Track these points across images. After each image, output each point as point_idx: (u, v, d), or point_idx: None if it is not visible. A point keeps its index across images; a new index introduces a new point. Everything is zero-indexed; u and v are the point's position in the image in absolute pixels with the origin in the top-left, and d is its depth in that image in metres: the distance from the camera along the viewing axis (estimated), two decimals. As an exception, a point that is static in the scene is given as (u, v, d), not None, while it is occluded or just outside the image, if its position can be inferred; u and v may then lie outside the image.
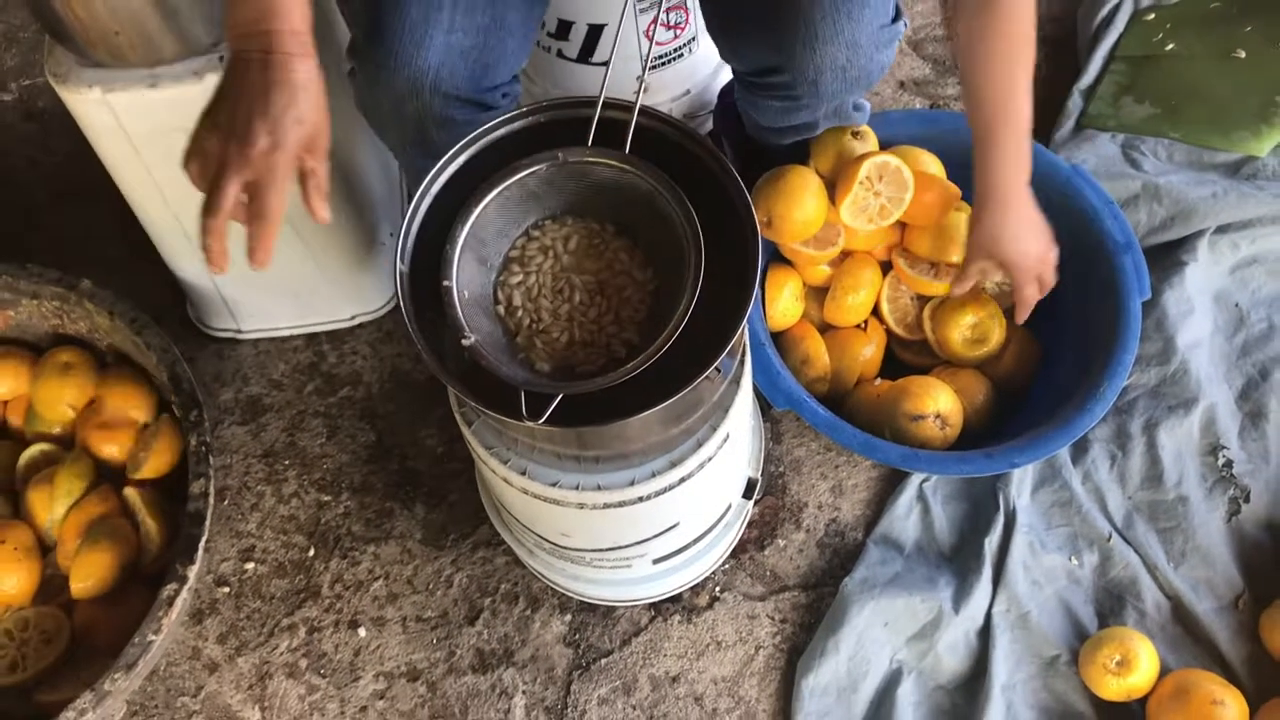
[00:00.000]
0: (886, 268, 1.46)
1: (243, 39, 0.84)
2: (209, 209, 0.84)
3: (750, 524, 1.44)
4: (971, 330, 1.41)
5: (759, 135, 1.38)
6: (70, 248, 1.70)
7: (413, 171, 1.30)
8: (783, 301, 1.42)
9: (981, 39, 1.11)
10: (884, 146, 1.41)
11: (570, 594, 1.40)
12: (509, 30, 1.15)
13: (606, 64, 0.97)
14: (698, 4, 1.45)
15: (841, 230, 1.40)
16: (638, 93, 0.94)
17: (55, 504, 1.35)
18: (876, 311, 1.47)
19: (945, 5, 1.12)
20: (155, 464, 1.37)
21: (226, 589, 1.45)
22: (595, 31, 1.43)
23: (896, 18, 1.17)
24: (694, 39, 1.52)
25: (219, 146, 0.84)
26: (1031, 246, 1.24)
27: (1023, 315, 1.31)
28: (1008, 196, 1.20)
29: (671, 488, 1.05)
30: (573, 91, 1.46)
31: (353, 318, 1.60)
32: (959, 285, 1.31)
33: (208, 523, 1.27)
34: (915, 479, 1.44)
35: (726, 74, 1.62)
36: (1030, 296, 1.28)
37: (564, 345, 0.93)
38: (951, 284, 1.33)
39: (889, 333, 1.47)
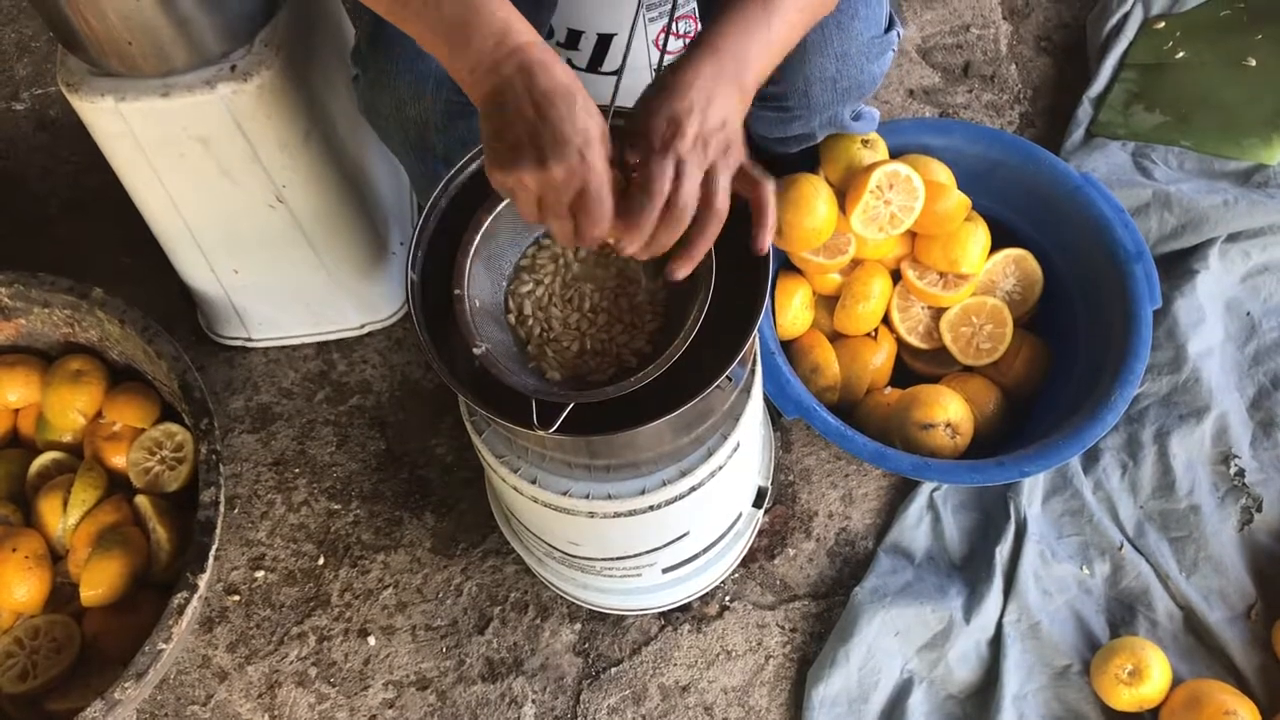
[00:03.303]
0: (897, 276, 1.46)
1: (491, 69, 0.79)
2: (584, 242, 0.80)
3: (760, 533, 1.44)
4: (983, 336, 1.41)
5: (763, 145, 1.38)
6: (81, 256, 1.71)
7: (416, 175, 1.31)
8: (793, 310, 1.42)
9: None
10: (894, 155, 1.41)
11: (580, 603, 1.40)
12: None
13: (618, 73, 0.96)
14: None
15: (852, 239, 1.40)
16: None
17: (68, 512, 1.35)
18: (887, 320, 1.46)
19: None
20: (183, 475, 1.39)
21: (236, 597, 1.45)
22: (605, 41, 1.44)
23: (890, 28, 1.16)
24: (704, 48, 1.52)
25: (533, 181, 0.78)
26: (707, 121, 0.82)
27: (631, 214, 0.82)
28: (718, 49, 0.86)
29: (682, 496, 1.05)
30: (583, 100, 1.46)
31: (363, 326, 1.60)
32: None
33: (218, 531, 1.27)
34: (926, 488, 1.43)
35: (736, 83, 1.61)
36: (657, 176, 0.80)
37: (575, 354, 0.93)
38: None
39: (899, 341, 1.47)
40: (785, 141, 1.35)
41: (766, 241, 0.86)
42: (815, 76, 1.13)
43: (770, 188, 0.85)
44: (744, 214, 0.93)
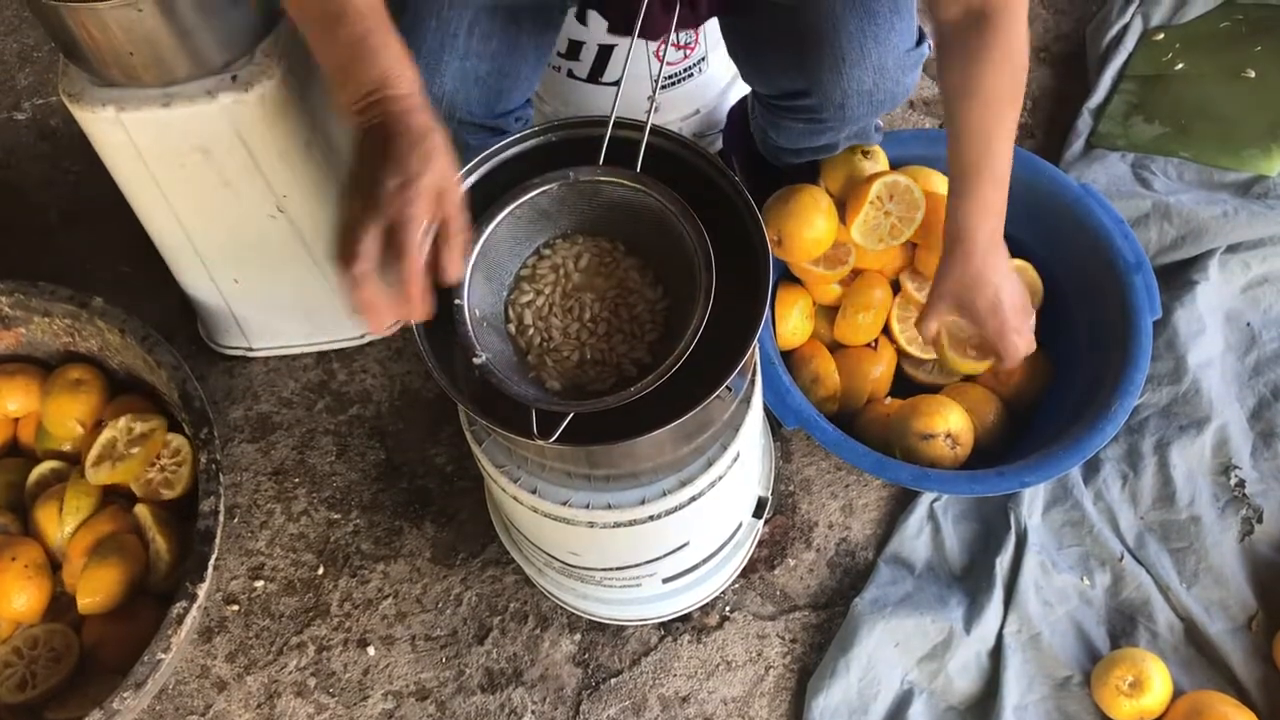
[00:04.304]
0: (897, 286, 1.46)
1: (361, 113, 0.83)
2: (343, 258, 0.79)
3: (760, 543, 1.44)
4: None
5: (774, 155, 1.39)
6: (82, 266, 1.71)
7: None
8: (793, 320, 1.42)
9: (968, 89, 1.08)
10: (894, 166, 1.41)
11: (580, 613, 1.39)
12: (523, 55, 1.16)
13: (618, 84, 0.97)
14: (707, 26, 1.46)
15: (852, 249, 1.40)
16: (649, 112, 0.95)
17: (64, 521, 1.35)
18: (887, 330, 1.46)
19: (936, 49, 1.11)
20: (181, 484, 1.38)
21: (236, 607, 1.44)
22: (605, 52, 1.44)
23: (920, 41, 1.17)
24: (703, 59, 1.53)
25: (357, 210, 0.80)
26: (1005, 296, 1.17)
27: (1011, 362, 1.21)
28: (981, 243, 1.15)
29: (682, 507, 1.05)
30: (583, 111, 1.47)
31: (362, 336, 1.61)
32: (924, 329, 1.24)
33: (217, 540, 1.27)
34: (926, 498, 1.43)
35: (736, 93, 1.62)
36: (1013, 347, 1.19)
37: (575, 364, 0.93)
38: (917, 324, 1.27)
39: (899, 351, 1.47)
40: (801, 153, 1.35)
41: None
42: (853, 90, 1.14)
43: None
44: (739, 219, 0.93)
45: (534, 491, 1.04)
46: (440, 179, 0.80)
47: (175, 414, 1.40)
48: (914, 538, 1.42)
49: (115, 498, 1.39)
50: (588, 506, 1.03)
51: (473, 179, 0.96)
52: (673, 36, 1.46)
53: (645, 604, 1.34)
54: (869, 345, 1.46)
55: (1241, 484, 1.41)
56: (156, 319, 1.45)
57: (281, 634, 1.43)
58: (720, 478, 1.06)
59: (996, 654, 1.33)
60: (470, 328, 0.88)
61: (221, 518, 1.28)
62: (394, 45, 0.84)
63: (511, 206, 0.92)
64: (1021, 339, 1.19)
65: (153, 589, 1.34)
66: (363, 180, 0.81)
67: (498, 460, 1.06)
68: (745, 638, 1.39)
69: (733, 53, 1.25)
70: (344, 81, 0.84)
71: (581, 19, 1.37)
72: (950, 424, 1.35)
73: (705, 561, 1.26)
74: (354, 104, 0.83)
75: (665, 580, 1.25)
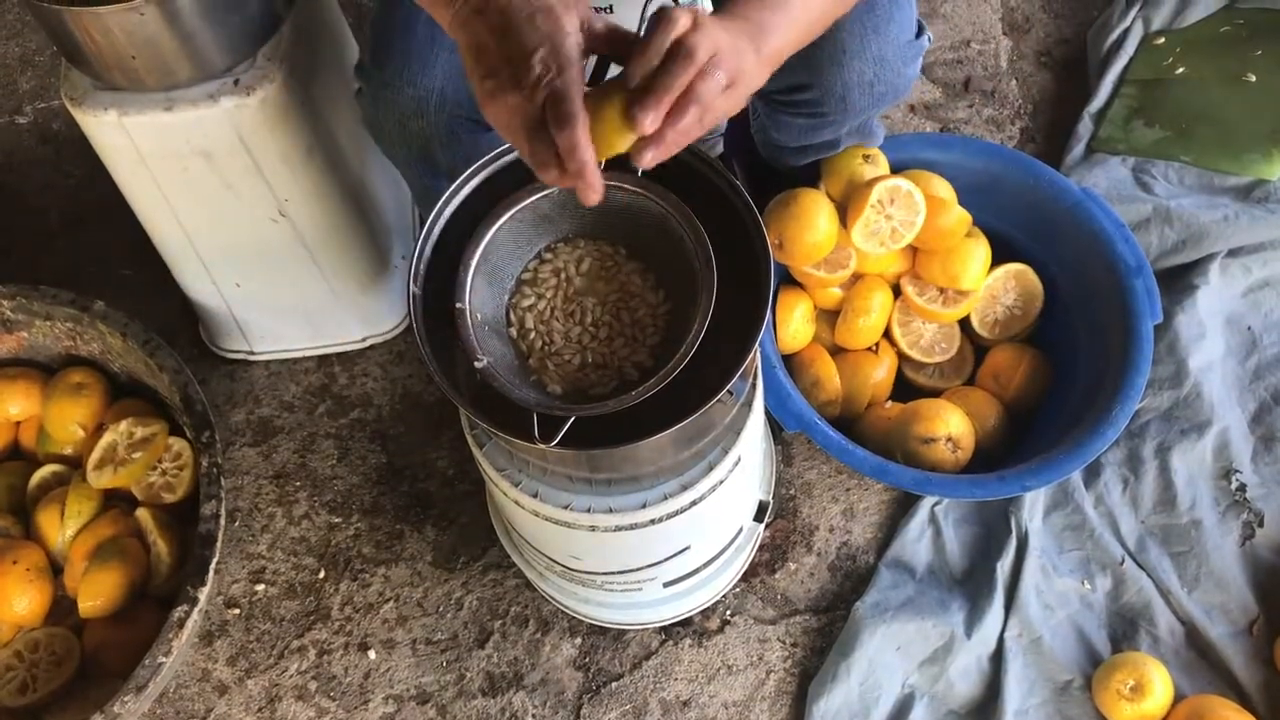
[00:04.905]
0: (898, 291, 1.46)
1: (458, 12, 0.80)
2: (540, 159, 0.76)
3: (761, 547, 1.44)
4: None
5: (775, 156, 1.39)
6: (84, 269, 1.71)
7: (418, 189, 1.31)
8: (794, 324, 1.42)
9: None
10: (895, 170, 1.41)
11: (581, 617, 1.39)
12: None
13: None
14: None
15: (853, 253, 1.40)
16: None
17: (65, 525, 1.35)
18: (888, 334, 1.46)
19: None
20: (182, 488, 1.38)
21: (237, 611, 1.44)
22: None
23: (920, 33, 1.18)
24: (705, 63, 1.52)
25: (508, 103, 0.76)
26: (720, 56, 0.78)
27: (643, 113, 0.76)
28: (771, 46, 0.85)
29: (683, 511, 1.05)
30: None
31: (364, 339, 1.61)
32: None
33: (218, 544, 1.27)
34: (927, 502, 1.43)
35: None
36: (666, 88, 0.76)
37: (576, 368, 0.93)
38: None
39: (900, 355, 1.47)
40: (804, 151, 1.35)
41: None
42: (854, 81, 1.14)
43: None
44: (740, 223, 0.93)
45: (535, 495, 1.04)
46: (571, 31, 0.76)
47: (177, 417, 1.40)
48: (915, 541, 1.42)
49: (116, 501, 1.39)
50: (589, 510, 1.03)
51: (474, 183, 0.96)
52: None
53: (646, 608, 1.34)
54: (870, 349, 1.46)
55: (1242, 488, 1.41)
56: (158, 323, 1.45)
57: (282, 638, 1.43)
58: (721, 482, 1.06)
59: (997, 658, 1.33)
60: (472, 331, 0.88)
61: (223, 521, 1.28)
62: None
63: (513, 210, 0.92)
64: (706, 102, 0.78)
65: (154, 593, 1.34)
66: (509, 54, 0.76)
67: (499, 464, 1.06)
68: (746, 642, 1.39)
69: None
70: None
71: None
72: (951, 428, 1.35)
73: (706, 565, 1.26)
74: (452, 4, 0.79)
75: (666, 584, 1.25)
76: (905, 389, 1.48)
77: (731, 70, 0.78)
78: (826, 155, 1.38)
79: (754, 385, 1.08)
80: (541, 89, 0.75)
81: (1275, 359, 1.49)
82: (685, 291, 0.91)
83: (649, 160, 0.78)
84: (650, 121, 0.75)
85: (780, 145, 1.34)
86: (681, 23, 0.77)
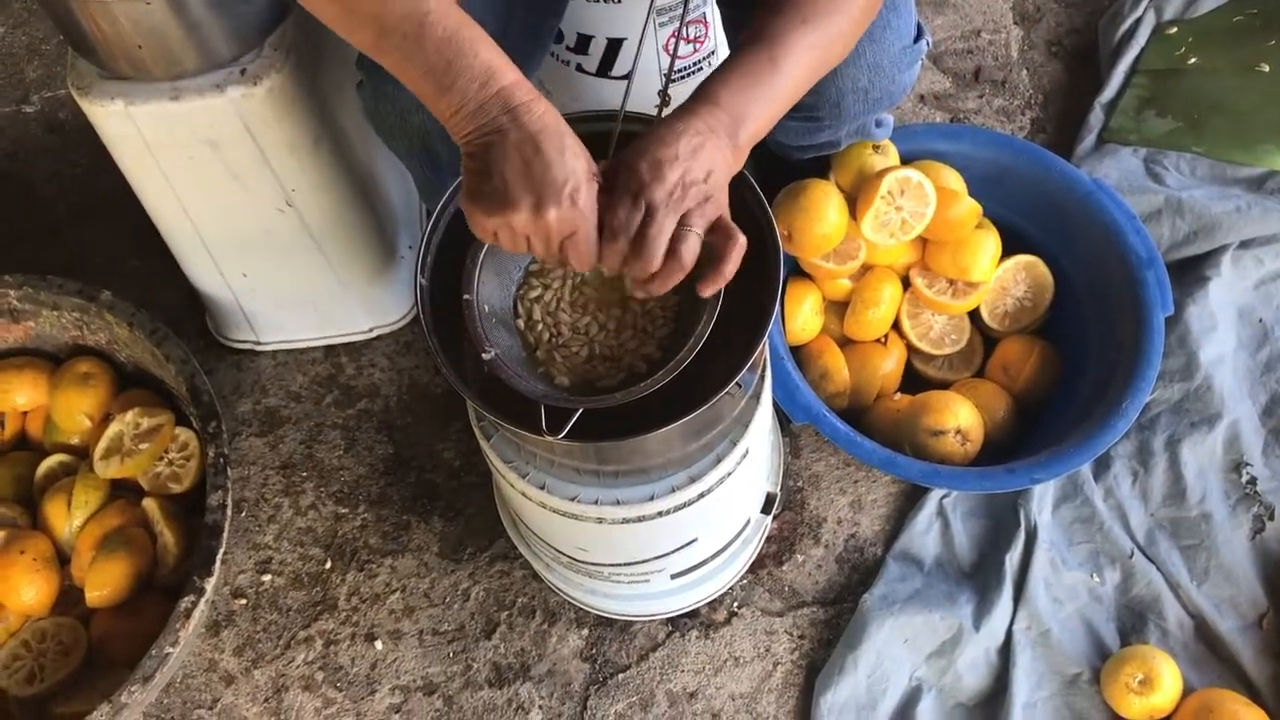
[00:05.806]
0: (907, 282, 1.46)
1: (477, 110, 0.78)
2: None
3: (769, 539, 1.44)
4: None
5: (779, 151, 1.38)
6: (90, 259, 1.71)
7: (421, 181, 1.31)
8: (802, 316, 1.42)
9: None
10: (905, 160, 1.41)
11: (587, 608, 1.39)
12: (513, 43, 1.15)
13: (628, 77, 0.96)
14: (717, 19, 1.45)
15: (862, 244, 1.39)
16: (659, 107, 0.94)
17: (72, 515, 1.35)
18: (897, 326, 1.46)
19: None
20: (189, 478, 1.38)
21: (243, 601, 1.44)
22: (615, 45, 1.43)
23: (918, 37, 1.17)
24: (713, 53, 1.52)
25: (523, 224, 0.78)
26: (690, 172, 0.81)
27: (612, 259, 0.81)
28: (746, 133, 0.86)
29: (690, 503, 1.05)
30: (592, 105, 1.46)
31: (371, 330, 1.60)
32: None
33: (225, 534, 1.26)
34: (935, 494, 1.43)
35: (746, 87, 1.61)
36: (623, 218, 0.80)
37: (584, 360, 0.93)
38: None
39: (909, 347, 1.46)
40: (805, 149, 1.35)
41: (709, 289, 0.84)
42: (848, 88, 1.14)
43: (741, 245, 0.83)
44: (749, 214, 0.93)
45: (542, 487, 1.04)
46: (589, 168, 0.80)
47: (183, 408, 1.40)
48: (923, 534, 1.42)
49: (123, 491, 1.39)
50: (596, 502, 1.03)
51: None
52: (683, 30, 1.45)
53: (653, 599, 1.33)
54: (879, 341, 1.46)
55: (1253, 481, 1.40)
56: (165, 313, 1.44)
57: (289, 628, 1.43)
58: (729, 474, 1.06)
59: (1006, 651, 1.33)
60: (479, 323, 0.88)
61: (229, 512, 1.28)
62: (487, 37, 0.80)
63: (521, 201, 0.91)
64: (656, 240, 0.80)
65: (160, 583, 1.34)
66: (523, 187, 0.77)
67: (506, 455, 1.06)
68: (753, 634, 1.39)
69: (732, 46, 1.25)
70: (448, 85, 0.79)
71: None
72: (960, 420, 1.34)
73: (714, 557, 1.25)
74: (469, 102, 0.78)
75: (673, 576, 1.24)
76: (914, 381, 1.47)
77: (705, 191, 0.81)
78: (829, 152, 1.37)
79: (762, 377, 1.08)
80: (567, 224, 0.79)
81: (1287, 351, 1.48)
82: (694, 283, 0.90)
83: (655, 291, 0.83)
84: (646, 291, 0.83)
85: (781, 144, 1.34)
86: (639, 180, 0.80)
